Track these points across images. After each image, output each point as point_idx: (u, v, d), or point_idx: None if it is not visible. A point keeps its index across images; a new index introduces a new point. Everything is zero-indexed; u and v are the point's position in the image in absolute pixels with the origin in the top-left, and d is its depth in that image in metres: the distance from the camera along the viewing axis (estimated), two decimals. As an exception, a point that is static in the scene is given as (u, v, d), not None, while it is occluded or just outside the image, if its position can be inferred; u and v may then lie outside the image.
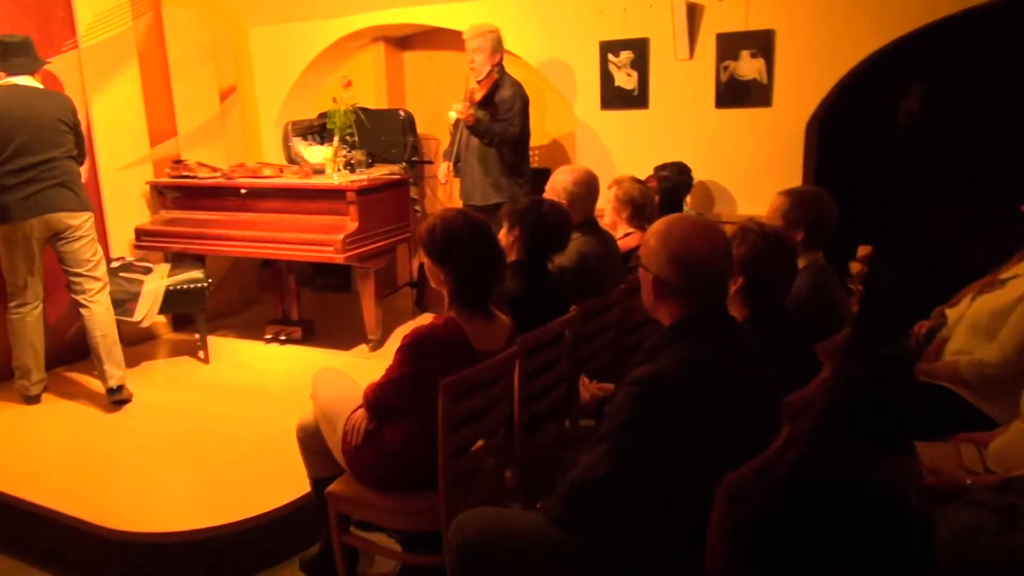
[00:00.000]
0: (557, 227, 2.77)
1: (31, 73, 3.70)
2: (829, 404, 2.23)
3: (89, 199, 3.86)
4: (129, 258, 4.61)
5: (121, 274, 4.29)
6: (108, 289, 3.94)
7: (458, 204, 4.61)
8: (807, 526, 1.80)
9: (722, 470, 1.52)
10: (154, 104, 4.99)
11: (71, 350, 4.52)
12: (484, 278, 2.25)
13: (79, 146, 3.82)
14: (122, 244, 4.78)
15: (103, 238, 4.71)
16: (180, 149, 5.18)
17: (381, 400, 2.26)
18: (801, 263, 2.37)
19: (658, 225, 1.74)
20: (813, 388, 1.96)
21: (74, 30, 4.50)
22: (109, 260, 4.49)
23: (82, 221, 3.78)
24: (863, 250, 3.52)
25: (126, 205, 4.81)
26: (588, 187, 3.04)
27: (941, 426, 2.33)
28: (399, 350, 2.20)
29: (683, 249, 1.65)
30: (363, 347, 4.64)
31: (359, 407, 2.35)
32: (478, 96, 4.30)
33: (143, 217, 4.90)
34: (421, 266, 5.73)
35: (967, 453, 2.13)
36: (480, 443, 2.37)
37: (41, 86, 3.75)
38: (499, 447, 2.48)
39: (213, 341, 4.67)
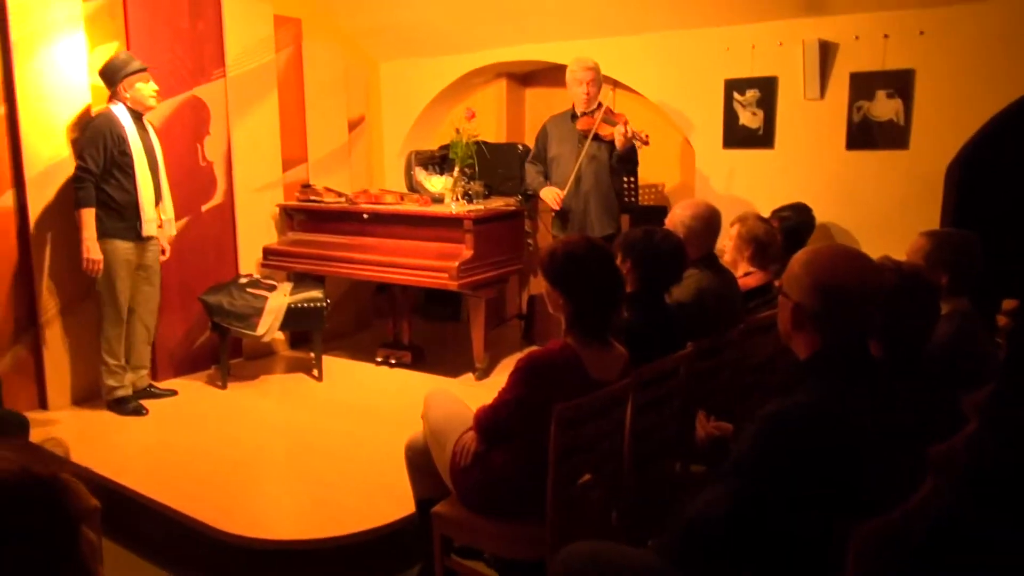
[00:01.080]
0: (671, 258, 2.69)
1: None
2: (976, 463, 2.04)
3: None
4: (256, 275, 4.84)
5: (248, 289, 4.50)
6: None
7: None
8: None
9: (855, 519, 1.41)
10: (289, 131, 5.28)
11: (197, 359, 4.77)
12: (603, 305, 2.22)
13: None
14: (250, 262, 5.02)
15: (234, 256, 4.98)
16: (309, 174, 5.44)
17: (492, 423, 2.25)
18: (944, 309, 2.21)
19: (804, 252, 1.67)
20: (958, 442, 1.80)
21: (223, 61, 4.82)
22: (238, 276, 4.75)
23: None
24: (1008, 304, 3.26)
25: (257, 225, 5.07)
26: (708, 223, 2.96)
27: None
28: (513, 372, 2.19)
29: (829, 276, 1.57)
30: (470, 375, 4.66)
31: (469, 429, 2.34)
32: (615, 130, 4.30)
33: (271, 237, 5.14)
34: (531, 299, 5.75)
35: None
36: (588, 476, 2.31)
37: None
38: (608, 482, 2.41)
39: (327, 360, 4.81)
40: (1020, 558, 1.75)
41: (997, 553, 1.72)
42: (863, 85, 4.12)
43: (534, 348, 2.22)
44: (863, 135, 4.16)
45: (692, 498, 1.65)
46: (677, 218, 2.94)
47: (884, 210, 4.12)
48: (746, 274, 3.28)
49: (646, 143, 4.26)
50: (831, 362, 1.56)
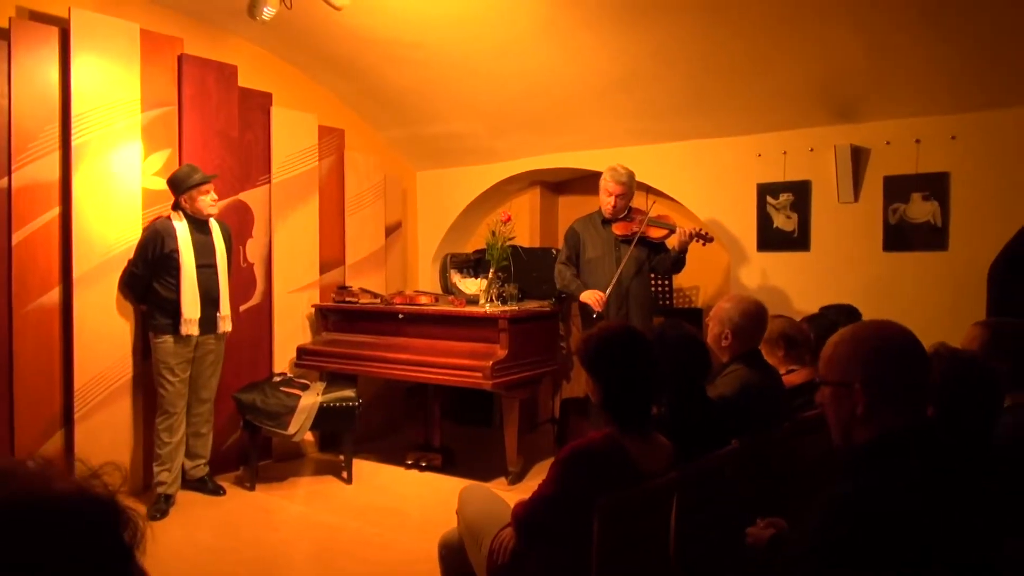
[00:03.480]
0: (687, 348, 2.62)
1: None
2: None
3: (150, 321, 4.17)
4: (289, 374, 4.84)
5: (282, 388, 4.49)
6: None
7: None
8: None
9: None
10: (328, 235, 5.41)
11: (227, 459, 4.71)
12: (638, 392, 2.15)
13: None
14: (284, 361, 5.04)
15: (269, 355, 5.01)
16: (346, 276, 5.53)
17: (531, 519, 2.15)
18: (1007, 401, 2.12)
19: (841, 333, 1.61)
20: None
21: (269, 168, 5.02)
22: (272, 375, 4.76)
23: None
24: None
25: (292, 325, 5.12)
26: (754, 319, 2.91)
27: None
28: (553, 465, 2.11)
29: (883, 343, 1.51)
30: (502, 480, 4.53)
31: (507, 525, 2.24)
32: (671, 231, 4.37)
33: (305, 337, 5.18)
34: (563, 403, 5.66)
35: None
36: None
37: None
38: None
39: (356, 463, 4.72)
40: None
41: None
42: (897, 188, 4.15)
43: (575, 441, 2.15)
44: (900, 237, 4.16)
45: None
46: (724, 314, 2.90)
47: (925, 311, 4.05)
48: (789, 371, 3.21)
49: (710, 240, 4.30)
50: (901, 443, 1.47)
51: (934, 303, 4.05)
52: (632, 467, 2.07)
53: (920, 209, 4.09)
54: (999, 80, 3.76)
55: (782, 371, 3.18)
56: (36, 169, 3.94)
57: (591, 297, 4.33)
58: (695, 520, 2.40)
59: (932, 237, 4.06)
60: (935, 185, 4.04)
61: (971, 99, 3.89)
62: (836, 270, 4.37)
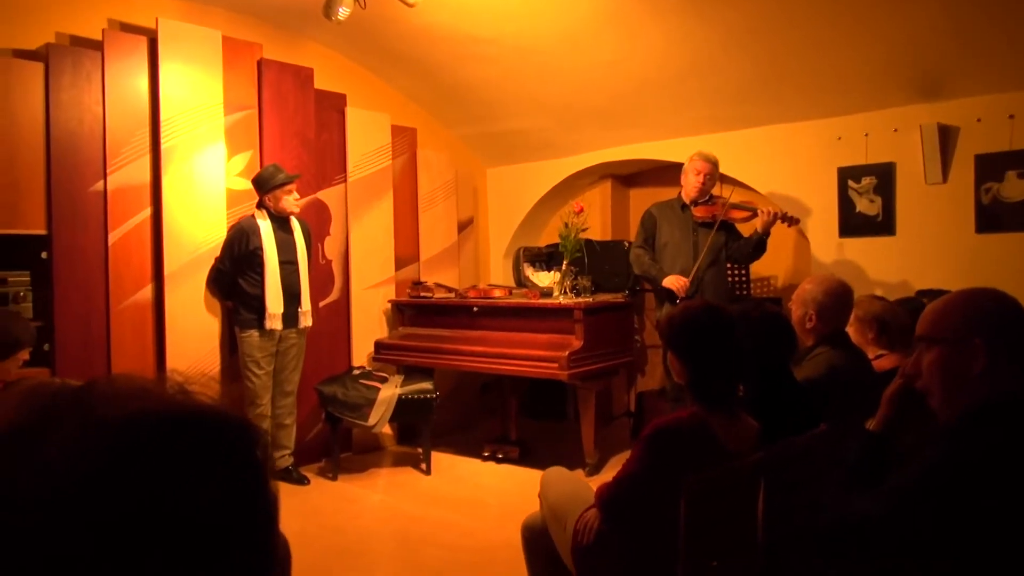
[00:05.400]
0: (772, 328, 2.55)
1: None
2: None
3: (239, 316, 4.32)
4: (368, 368, 4.94)
5: (361, 381, 4.58)
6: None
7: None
8: None
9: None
10: (402, 232, 5.50)
11: (310, 451, 4.84)
12: (724, 371, 2.11)
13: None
14: (362, 356, 5.15)
15: (347, 350, 5.12)
16: (420, 272, 5.61)
17: (616, 498, 2.13)
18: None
19: (944, 297, 1.55)
20: None
21: (345, 167, 5.14)
22: (351, 368, 4.86)
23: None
24: None
25: (369, 320, 5.23)
26: (840, 299, 2.83)
27: None
28: (637, 443, 2.10)
29: (1004, 299, 1.45)
30: (579, 471, 4.51)
31: (591, 506, 2.24)
32: (754, 214, 4.32)
33: (382, 332, 5.28)
34: (639, 396, 5.60)
35: None
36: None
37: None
38: (744, 572, 2.22)
39: (434, 456, 4.78)
40: None
41: None
42: (990, 166, 3.96)
43: (660, 419, 2.12)
44: (994, 217, 3.96)
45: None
46: (808, 294, 2.83)
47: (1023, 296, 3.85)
48: (878, 356, 3.09)
49: (796, 221, 4.21)
50: (1012, 411, 1.40)
51: (1033, 286, 3.84)
52: (718, 446, 2.04)
53: (1015, 188, 3.89)
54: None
55: (871, 355, 3.07)
56: (129, 172, 4.14)
57: (675, 283, 4.24)
58: (782, 502, 2.34)
59: (1030, 216, 3.86)
60: (1031, 162, 3.84)
61: (1069, 69, 3.69)
62: (925, 254, 4.19)
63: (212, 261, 4.33)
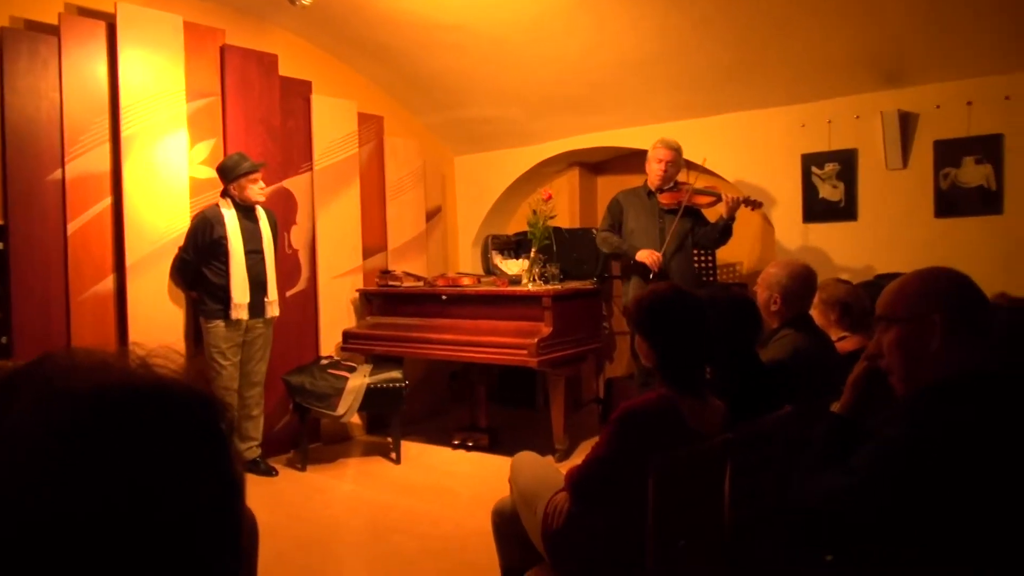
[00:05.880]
0: (739, 311, 2.59)
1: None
2: None
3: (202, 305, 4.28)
4: (336, 357, 4.90)
5: (329, 370, 4.55)
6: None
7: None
8: None
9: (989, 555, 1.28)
10: (369, 221, 5.46)
11: (278, 442, 4.79)
12: (691, 353, 2.14)
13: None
14: (330, 346, 5.11)
15: (315, 340, 5.08)
16: (388, 261, 5.58)
17: (586, 480, 2.15)
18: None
19: (902, 277, 1.59)
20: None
21: (311, 155, 5.09)
22: (319, 358, 4.83)
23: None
24: None
25: (337, 310, 5.19)
26: (804, 282, 2.87)
27: None
28: (607, 426, 2.11)
29: (958, 277, 1.49)
30: (549, 458, 4.52)
31: (561, 490, 2.25)
32: (717, 198, 4.36)
33: (350, 321, 5.24)
34: (608, 382, 5.64)
35: None
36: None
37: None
38: (707, 547, 2.26)
39: (403, 444, 4.77)
40: None
41: None
42: (948, 152, 4.04)
43: (629, 401, 2.14)
44: (952, 202, 4.05)
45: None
46: (773, 277, 2.87)
47: (980, 277, 3.90)
48: (840, 339, 3.15)
49: (759, 205, 4.25)
50: (992, 380, 1.44)
51: (988, 270, 3.93)
52: (686, 427, 2.06)
53: (972, 173, 3.98)
54: (1054, 36, 3.63)
55: (834, 337, 3.13)
56: (88, 161, 4.04)
57: (649, 257, 4.26)
58: (749, 482, 2.38)
59: (985, 201, 3.95)
60: (988, 147, 3.92)
61: (1025, 57, 3.78)
62: (885, 239, 4.28)
63: (175, 251, 4.26)
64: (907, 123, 4.16)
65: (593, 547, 2.12)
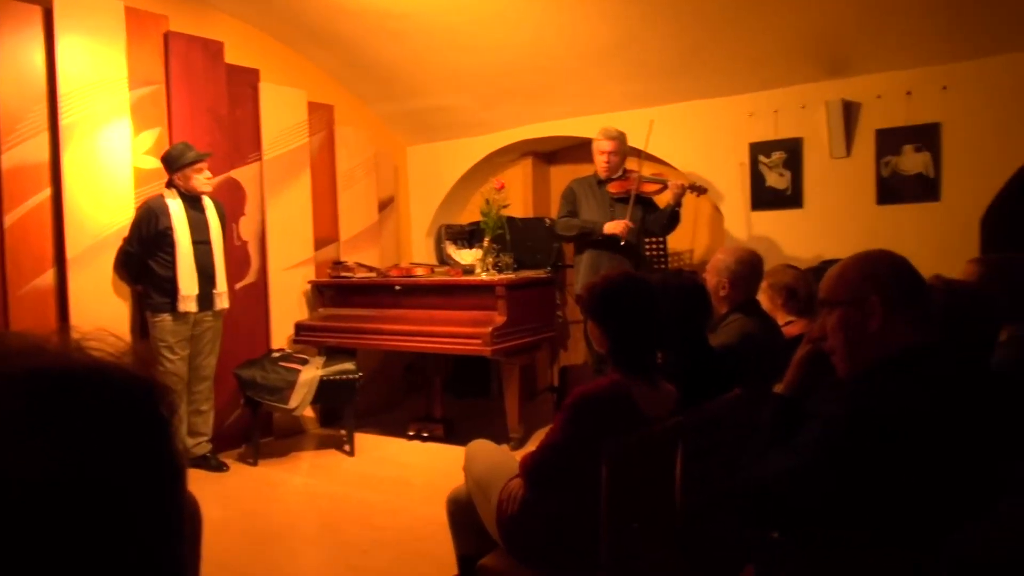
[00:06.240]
0: (691, 295, 2.64)
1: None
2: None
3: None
4: (288, 350, 4.84)
5: (281, 363, 4.49)
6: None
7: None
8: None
9: (930, 523, 1.34)
10: (321, 212, 5.39)
11: (229, 436, 4.72)
12: (643, 338, 2.16)
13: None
14: (282, 338, 5.04)
15: (266, 333, 5.01)
16: (340, 252, 5.52)
17: (540, 466, 2.17)
18: (1003, 335, 2.14)
19: (842, 261, 1.64)
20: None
21: (260, 145, 4.99)
22: (270, 351, 4.76)
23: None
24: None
25: (288, 302, 5.12)
26: (751, 267, 2.94)
27: None
28: (560, 412, 2.13)
29: (893, 258, 1.54)
30: (505, 447, 4.55)
31: (515, 476, 2.26)
32: (665, 186, 4.41)
33: (302, 314, 5.18)
34: (562, 371, 5.68)
35: None
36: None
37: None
38: (661, 530, 2.30)
39: (358, 437, 4.73)
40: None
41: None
42: (889, 141, 4.16)
43: (581, 387, 2.16)
44: (893, 190, 4.17)
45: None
46: (721, 263, 2.92)
47: (920, 261, 4.01)
48: (787, 323, 3.23)
49: (704, 191, 4.31)
50: (928, 357, 1.49)
51: (927, 254, 4.04)
52: (638, 412, 2.09)
53: (912, 161, 4.10)
54: (989, 28, 3.75)
55: (780, 321, 3.20)
56: (25, 151, 3.91)
57: (617, 226, 4.26)
58: (700, 465, 2.43)
59: (924, 188, 4.08)
60: (926, 136, 4.05)
61: (962, 48, 3.89)
62: (830, 226, 4.38)
63: (119, 243, 4.14)
64: (850, 112, 4.26)
65: (547, 533, 2.13)
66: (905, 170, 4.12)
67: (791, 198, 4.51)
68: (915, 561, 1.38)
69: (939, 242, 4.03)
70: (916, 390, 1.44)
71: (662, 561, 2.39)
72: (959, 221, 3.99)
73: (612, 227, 4.31)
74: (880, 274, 1.54)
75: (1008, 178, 3.90)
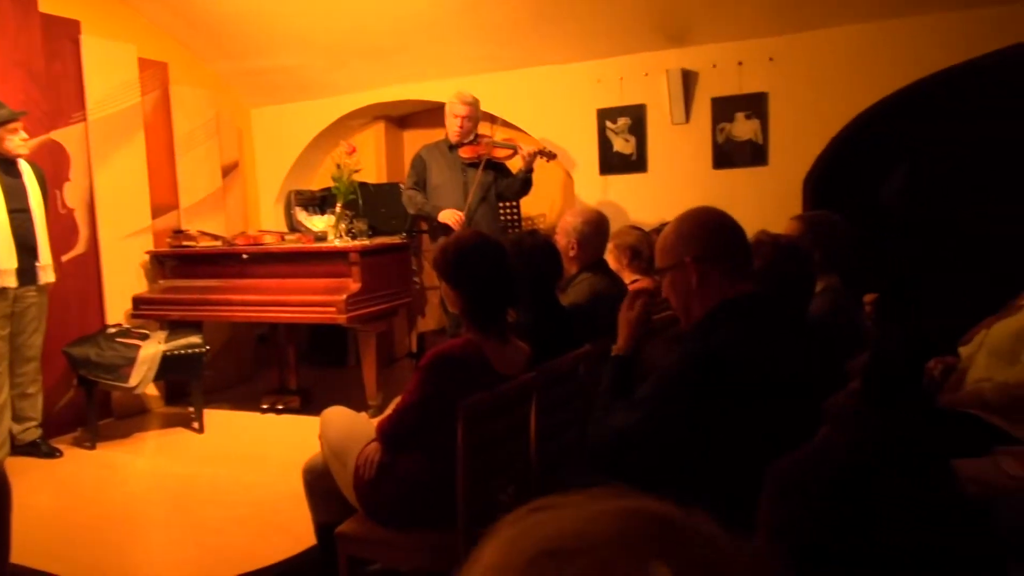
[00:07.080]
0: (544, 255, 2.72)
1: None
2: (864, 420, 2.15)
3: None
4: (126, 325, 4.53)
5: (118, 339, 4.20)
6: None
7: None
8: (864, 523, 1.70)
9: (763, 459, 1.46)
10: (158, 177, 5.05)
11: (61, 420, 4.38)
12: (496, 297, 2.20)
13: None
14: (118, 313, 4.71)
15: (100, 307, 4.66)
16: (181, 220, 5.20)
17: (397, 428, 2.17)
18: (818, 286, 2.35)
19: (665, 227, 1.74)
20: (846, 397, 1.90)
21: (84, 104, 4.59)
22: (105, 327, 4.44)
23: None
24: (869, 297, 3.51)
25: (124, 275, 4.79)
26: (598, 227, 3.05)
27: (974, 449, 2.25)
28: (415, 373, 2.14)
29: (705, 217, 1.66)
30: (363, 415, 4.50)
31: (372, 440, 2.25)
32: (516, 151, 4.43)
33: (141, 286, 4.86)
34: (420, 337, 5.68)
35: (1009, 465, 2.05)
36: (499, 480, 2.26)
37: None
38: (518, 484, 2.37)
39: (208, 413, 4.52)
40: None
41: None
42: (723, 109, 4.42)
43: (436, 347, 2.17)
44: (727, 155, 4.44)
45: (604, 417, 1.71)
46: (569, 224, 3.01)
47: (751, 223, 4.28)
48: (633, 281, 3.38)
49: (553, 156, 4.37)
50: (742, 306, 1.61)
51: (758, 215, 4.34)
52: (492, 370, 2.13)
53: (743, 128, 4.38)
54: (815, 2, 4.04)
55: (627, 279, 3.35)
56: None
57: (451, 216, 4.29)
58: (553, 420, 2.52)
59: (754, 154, 4.37)
60: (755, 105, 4.33)
61: (788, 22, 4.17)
62: (672, 189, 4.61)
63: (-82, 212, 3.70)
64: (689, 81, 4.48)
65: (406, 494, 2.15)
66: (737, 136, 4.40)
67: (636, 163, 4.70)
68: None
69: (768, 203, 4.34)
70: (736, 337, 1.56)
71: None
72: (784, 183, 4.32)
73: (446, 217, 4.31)
74: (692, 235, 1.66)
75: (827, 143, 4.24)
